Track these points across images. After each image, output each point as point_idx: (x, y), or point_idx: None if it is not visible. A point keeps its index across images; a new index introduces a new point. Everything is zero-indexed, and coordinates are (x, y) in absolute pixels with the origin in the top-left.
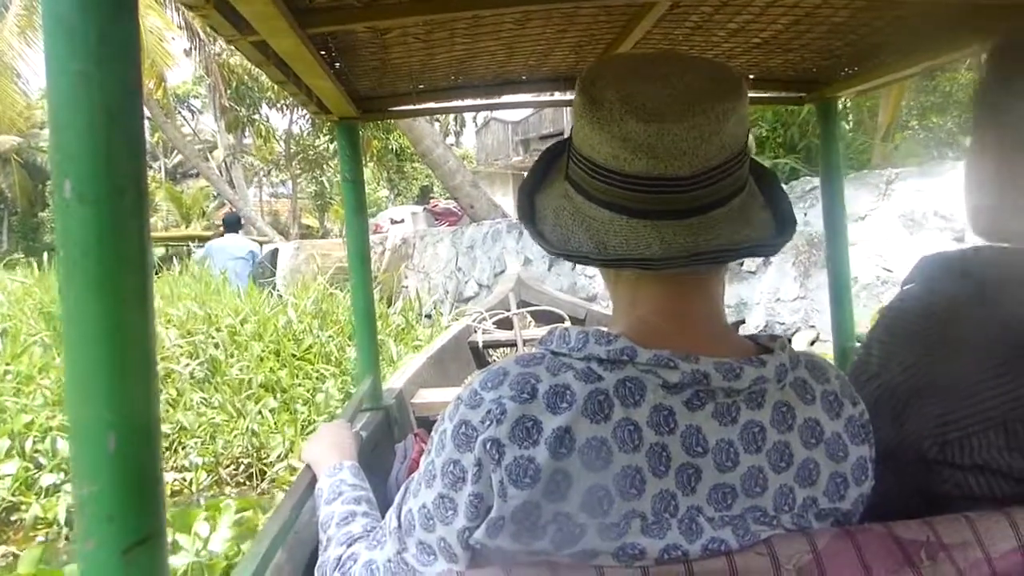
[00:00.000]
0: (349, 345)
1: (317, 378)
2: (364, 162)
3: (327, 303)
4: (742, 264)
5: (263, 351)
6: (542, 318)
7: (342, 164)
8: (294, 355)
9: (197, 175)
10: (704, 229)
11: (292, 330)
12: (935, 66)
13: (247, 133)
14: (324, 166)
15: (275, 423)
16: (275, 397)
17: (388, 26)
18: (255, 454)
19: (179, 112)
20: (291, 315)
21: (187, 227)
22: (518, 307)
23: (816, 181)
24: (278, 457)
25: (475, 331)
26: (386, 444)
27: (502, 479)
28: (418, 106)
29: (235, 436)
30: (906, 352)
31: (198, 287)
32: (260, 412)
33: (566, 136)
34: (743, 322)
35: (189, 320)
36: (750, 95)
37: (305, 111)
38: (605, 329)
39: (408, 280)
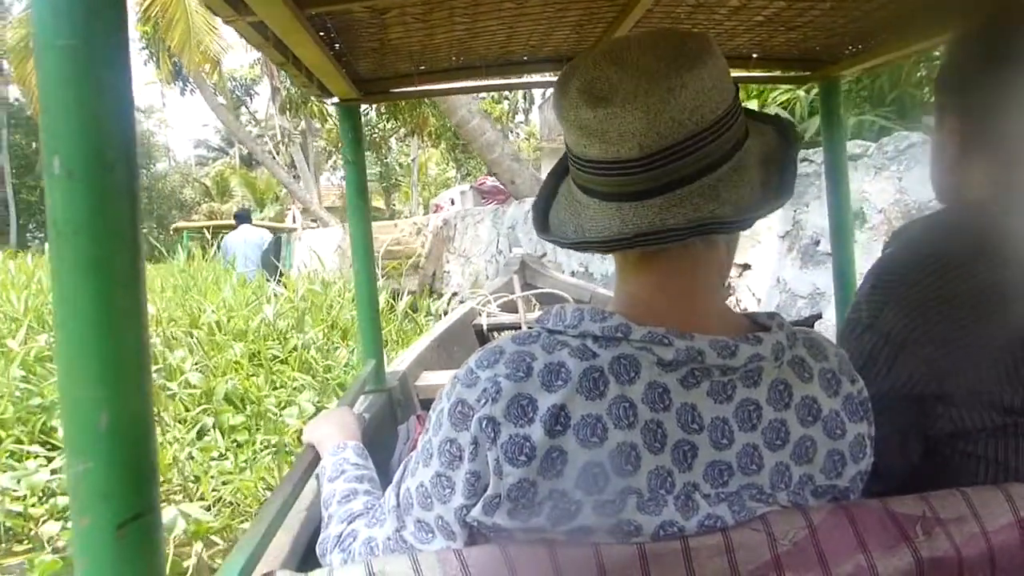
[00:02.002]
0: (344, 344)
1: (295, 388)
2: (423, 142)
3: (323, 296)
4: (818, 244)
5: (241, 353)
6: (547, 301)
7: (343, 146)
8: (278, 358)
9: (273, 159)
10: (664, 208)
11: (274, 329)
12: (939, 43)
13: (301, 115)
14: (384, 146)
15: (226, 449)
16: (243, 411)
17: (386, 5)
18: (184, 490)
19: (236, 95)
20: (267, 312)
21: (261, 211)
22: (523, 290)
23: (914, 137)
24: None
25: (480, 314)
26: (389, 426)
27: (498, 457)
28: (420, 88)
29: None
30: (897, 303)
31: (187, 277)
32: (202, 435)
33: None
34: (819, 317)
35: (161, 319)
36: (753, 74)
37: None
38: (601, 307)
39: (450, 265)
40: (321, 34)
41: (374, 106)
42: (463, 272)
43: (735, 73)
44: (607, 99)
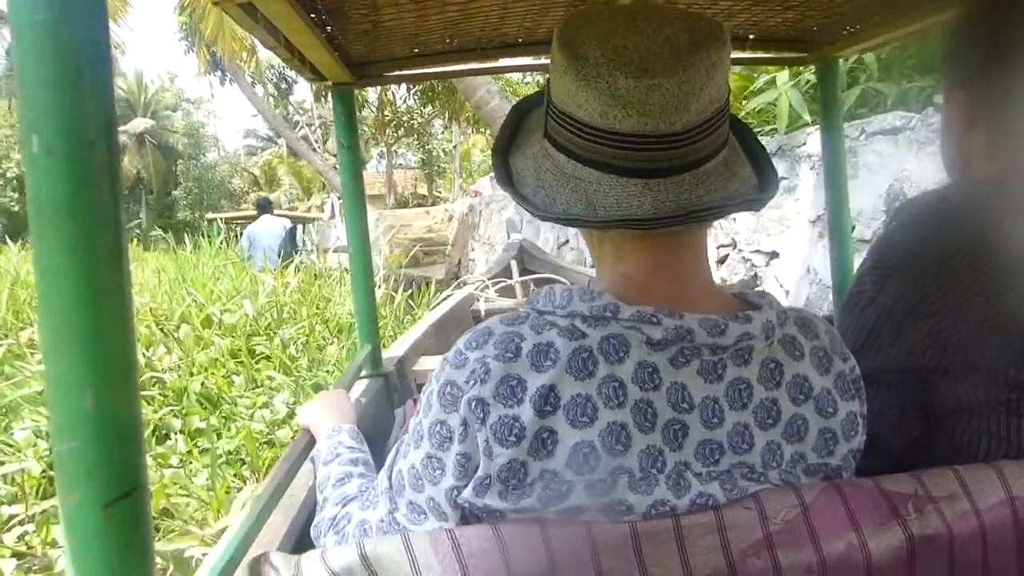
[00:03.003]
0: (336, 340)
1: (272, 388)
2: (461, 127)
3: (314, 288)
4: (853, 229)
5: (226, 349)
6: (545, 286)
7: (337, 130)
8: (260, 355)
9: (313, 148)
10: (696, 185)
11: (258, 324)
12: (939, 22)
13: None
14: (422, 133)
15: (187, 453)
16: (217, 412)
17: None
18: None
19: (277, 83)
20: (247, 308)
21: (308, 200)
22: (521, 275)
23: None
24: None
25: (478, 299)
26: (386, 410)
27: (487, 438)
28: (414, 71)
29: None
30: (900, 277)
31: (191, 268)
32: (163, 439)
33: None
34: None
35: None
36: (750, 56)
37: None
38: (590, 287)
39: (475, 252)
40: (312, 16)
41: (413, 92)
42: (487, 260)
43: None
44: (648, 69)
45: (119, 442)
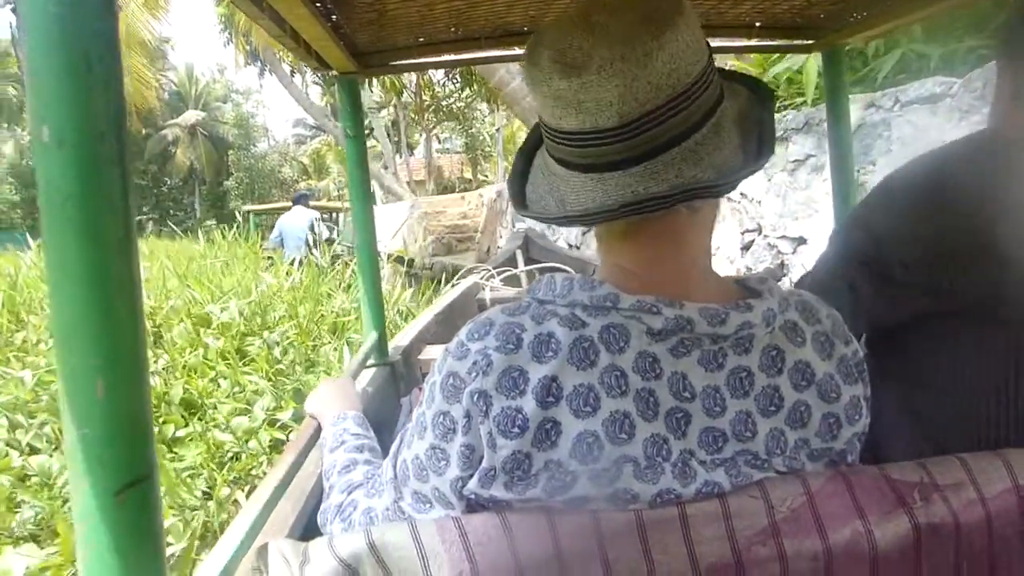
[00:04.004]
0: (335, 340)
1: (254, 391)
2: (498, 109)
3: (314, 283)
4: None
5: (219, 350)
6: (546, 275)
7: (342, 119)
8: (248, 356)
9: (370, 133)
10: (647, 176)
11: (249, 325)
12: (945, 8)
13: (370, 89)
14: (464, 116)
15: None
16: (200, 419)
17: None
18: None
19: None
20: (232, 308)
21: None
22: (526, 264)
23: None
24: None
25: (483, 288)
26: (392, 399)
27: (491, 430)
28: (419, 60)
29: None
30: (885, 208)
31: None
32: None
33: None
34: None
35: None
36: (756, 43)
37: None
38: (591, 276)
39: (503, 240)
40: (318, 5)
41: (454, 77)
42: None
43: (737, 43)
44: (581, 67)
45: (129, 430)
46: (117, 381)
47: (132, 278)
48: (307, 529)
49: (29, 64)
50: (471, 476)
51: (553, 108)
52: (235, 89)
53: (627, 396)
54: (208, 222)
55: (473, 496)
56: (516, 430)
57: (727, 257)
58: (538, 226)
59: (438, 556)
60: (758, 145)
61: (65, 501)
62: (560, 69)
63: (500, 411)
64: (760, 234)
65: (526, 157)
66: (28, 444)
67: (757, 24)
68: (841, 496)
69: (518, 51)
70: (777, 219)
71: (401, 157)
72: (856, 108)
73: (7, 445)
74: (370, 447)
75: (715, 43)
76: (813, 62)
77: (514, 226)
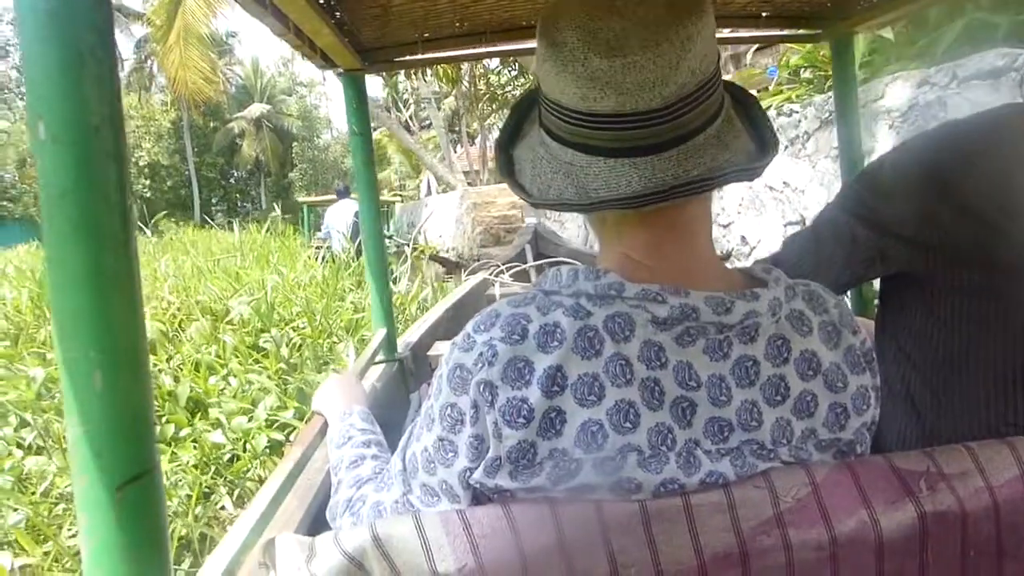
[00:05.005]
0: (348, 338)
1: (259, 390)
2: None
3: (333, 279)
4: None
5: (232, 347)
6: (553, 267)
7: (348, 117)
8: (261, 351)
9: (429, 125)
10: (683, 159)
11: (267, 322)
12: None
13: (423, 79)
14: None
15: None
16: (204, 418)
17: None
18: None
19: None
20: (234, 305)
21: (417, 178)
22: (535, 259)
23: None
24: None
25: (493, 284)
26: (401, 395)
27: (496, 420)
28: (424, 56)
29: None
30: (892, 163)
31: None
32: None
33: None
34: None
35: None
36: (764, 33)
37: None
38: (596, 266)
39: None
40: (321, 2)
41: (511, 66)
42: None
43: (745, 33)
44: (622, 48)
45: (129, 425)
46: (115, 374)
47: (130, 271)
48: (314, 524)
49: (24, 60)
50: (478, 466)
51: (587, 90)
52: (299, 82)
53: (632, 385)
54: (273, 213)
55: (479, 486)
56: (521, 420)
57: (768, 250)
58: (548, 221)
59: (442, 548)
60: (762, 133)
61: (53, 506)
62: (598, 49)
63: (505, 401)
64: (803, 225)
65: (504, 150)
66: (31, 443)
67: (764, 14)
68: (846, 486)
69: (523, 45)
70: (820, 209)
71: (461, 147)
72: (908, 87)
73: (9, 444)
74: (377, 442)
75: (722, 33)
76: (861, 42)
77: (524, 221)
